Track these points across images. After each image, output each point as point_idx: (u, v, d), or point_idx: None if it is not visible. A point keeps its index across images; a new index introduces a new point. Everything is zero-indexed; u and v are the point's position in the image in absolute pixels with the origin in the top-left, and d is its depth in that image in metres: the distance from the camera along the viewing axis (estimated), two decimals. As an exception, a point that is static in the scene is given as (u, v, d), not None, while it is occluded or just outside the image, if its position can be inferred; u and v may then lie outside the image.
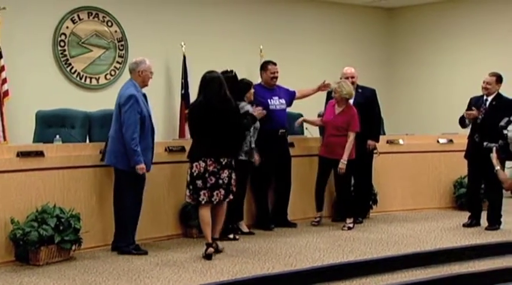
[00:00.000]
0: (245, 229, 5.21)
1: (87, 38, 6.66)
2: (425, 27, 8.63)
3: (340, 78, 5.65)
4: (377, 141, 5.73)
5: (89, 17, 6.68)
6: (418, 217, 6.05)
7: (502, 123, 3.87)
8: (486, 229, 5.36)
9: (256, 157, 5.02)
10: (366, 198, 5.87)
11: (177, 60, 6.98)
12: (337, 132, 5.41)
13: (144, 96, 4.51)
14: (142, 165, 4.32)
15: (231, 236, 4.94)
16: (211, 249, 4.35)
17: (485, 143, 3.83)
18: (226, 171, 4.38)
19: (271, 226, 5.33)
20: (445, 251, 4.68)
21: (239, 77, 5.02)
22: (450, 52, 8.35)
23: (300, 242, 4.93)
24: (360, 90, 5.72)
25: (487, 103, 5.44)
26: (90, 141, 5.29)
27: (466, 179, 6.12)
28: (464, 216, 5.71)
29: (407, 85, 8.79)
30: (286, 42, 7.81)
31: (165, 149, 4.96)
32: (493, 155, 3.64)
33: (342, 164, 5.33)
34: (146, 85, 4.51)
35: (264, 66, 5.52)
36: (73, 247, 4.31)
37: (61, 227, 4.18)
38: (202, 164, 4.36)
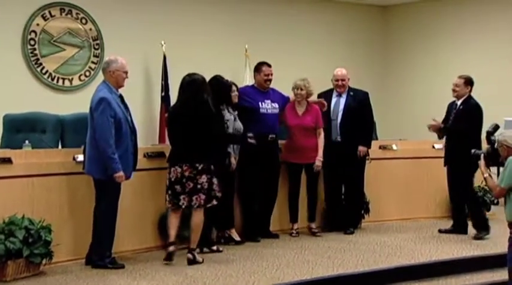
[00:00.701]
0: (237, 237, 5.26)
1: (59, 36, 6.68)
2: (421, 26, 8.68)
3: (331, 80, 5.76)
4: (369, 147, 5.78)
5: (61, 14, 6.70)
6: (412, 226, 6.09)
7: (489, 129, 3.98)
8: (474, 237, 5.47)
9: (232, 161, 5.03)
10: (358, 207, 5.91)
11: (157, 60, 7.00)
12: (307, 134, 5.50)
13: (121, 97, 4.49)
14: (121, 173, 4.30)
15: (214, 247, 4.98)
16: (172, 248, 4.49)
17: (472, 151, 3.93)
18: (204, 176, 4.46)
19: (257, 238, 5.37)
20: (441, 263, 4.72)
21: (226, 78, 5.12)
22: (447, 52, 8.43)
23: (288, 254, 4.95)
24: (351, 93, 5.78)
25: (457, 107, 5.59)
26: (62, 147, 5.29)
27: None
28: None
29: (402, 86, 8.85)
30: (273, 41, 7.84)
31: (144, 155, 4.96)
32: (481, 163, 3.74)
33: (319, 162, 5.48)
34: (121, 86, 4.48)
35: (258, 68, 5.55)
36: (43, 261, 4.27)
37: (30, 240, 4.15)
38: (179, 169, 4.48)
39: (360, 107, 5.69)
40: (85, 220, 4.53)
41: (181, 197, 4.48)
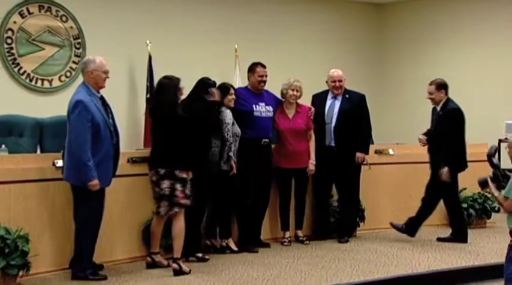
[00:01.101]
0: (234, 247, 5.29)
1: (38, 34, 6.61)
2: (418, 24, 8.66)
3: (326, 82, 5.76)
4: (366, 152, 5.79)
5: (40, 11, 6.63)
6: (410, 235, 6.01)
7: (492, 151, 4.03)
8: (440, 239, 5.69)
9: (233, 165, 5.08)
10: (352, 215, 5.90)
11: (142, 60, 6.96)
12: (298, 137, 5.52)
13: (102, 99, 4.48)
14: (95, 181, 4.28)
15: (200, 255, 4.99)
16: (148, 259, 4.64)
17: (479, 180, 3.99)
18: (166, 182, 4.50)
19: (255, 248, 5.34)
20: (440, 273, 4.72)
21: (213, 79, 5.12)
22: (446, 51, 8.42)
23: (280, 263, 4.95)
24: (347, 95, 5.78)
25: (437, 112, 5.69)
26: (41, 152, 5.27)
27: (462, 194, 6.27)
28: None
29: (399, 87, 8.82)
30: (264, 41, 7.83)
31: (128, 160, 4.94)
32: (491, 185, 3.78)
33: (312, 165, 5.53)
34: (101, 87, 4.46)
35: (252, 68, 5.55)
36: (20, 273, 4.24)
37: (6, 250, 4.12)
38: (149, 174, 4.63)
39: (356, 110, 5.69)
40: (65, 229, 4.50)
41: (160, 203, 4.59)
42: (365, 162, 5.81)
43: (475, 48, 8.19)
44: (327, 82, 5.79)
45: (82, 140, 4.21)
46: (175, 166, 4.50)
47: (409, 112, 8.45)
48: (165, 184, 4.48)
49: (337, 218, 5.83)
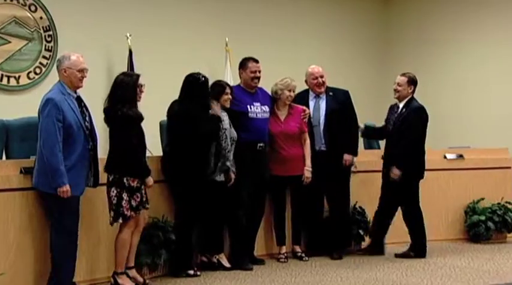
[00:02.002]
0: (226, 264, 5.30)
1: (3, 25, 6.53)
2: (428, 17, 8.64)
3: (306, 81, 5.77)
4: (355, 154, 5.80)
5: (5, -1, 6.61)
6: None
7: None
8: (398, 255, 5.73)
9: (231, 176, 5.15)
10: (345, 226, 5.84)
11: (122, 55, 6.89)
12: (291, 142, 5.52)
13: (79, 100, 4.50)
14: (66, 187, 4.27)
15: (191, 272, 5.02)
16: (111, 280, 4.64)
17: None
18: (114, 190, 4.55)
19: (249, 265, 5.34)
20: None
21: (201, 76, 5.13)
22: (460, 48, 8.37)
23: (275, 282, 4.93)
24: (331, 93, 5.78)
25: (399, 110, 5.70)
26: (7, 158, 5.20)
27: (479, 205, 6.32)
28: (479, 250, 5.77)
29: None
30: (258, 34, 7.81)
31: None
32: None
33: (309, 172, 5.50)
34: (78, 86, 4.50)
35: (244, 64, 5.55)
36: (-19, 296, 4.22)
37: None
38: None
39: (342, 109, 5.71)
40: (38, 246, 4.45)
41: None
42: (354, 165, 5.81)
43: (492, 43, 8.08)
44: (306, 81, 5.79)
45: (51, 141, 4.22)
46: (123, 172, 4.55)
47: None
48: (113, 192, 4.55)
49: (330, 231, 5.80)
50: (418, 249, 5.72)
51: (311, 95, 5.81)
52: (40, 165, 4.32)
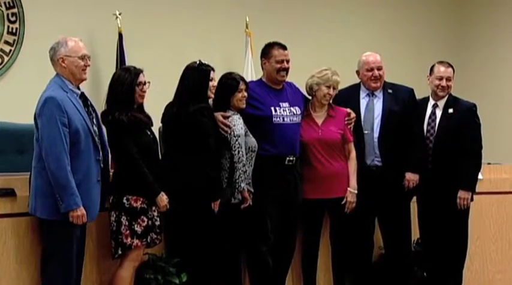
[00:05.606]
0: None
1: (-45, 3, 6.15)
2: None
3: (358, 71, 5.36)
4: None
5: (-42, -29, 6.15)
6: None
7: None
8: None
9: (246, 196, 4.78)
10: (405, 267, 5.38)
11: (110, 39, 6.51)
12: (332, 153, 5.11)
13: (83, 97, 4.25)
14: (80, 210, 4.03)
15: None
16: None
17: None
18: (113, 213, 4.41)
19: None
20: None
21: (216, 68, 4.75)
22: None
23: None
24: (390, 91, 5.34)
25: (439, 112, 5.32)
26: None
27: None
28: None
29: (483, 84, 8.12)
30: (284, 13, 7.41)
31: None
32: None
33: (352, 195, 5.09)
34: (81, 78, 4.27)
35: (267, 51, 5.17)
36: None
37: None
38: None
39: (403, 111, 5.29)
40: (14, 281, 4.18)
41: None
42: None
43: None
44: (357, 72, 5.34)
45: (58, 152, 4.00)
46: (120, 190, 4.36)
47: (497, 123, 7.70)
48: (113, 216, 4.39)
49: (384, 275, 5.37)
50: None
51: (363, 92, 5.29)
52: (39, 185, 4.09)
